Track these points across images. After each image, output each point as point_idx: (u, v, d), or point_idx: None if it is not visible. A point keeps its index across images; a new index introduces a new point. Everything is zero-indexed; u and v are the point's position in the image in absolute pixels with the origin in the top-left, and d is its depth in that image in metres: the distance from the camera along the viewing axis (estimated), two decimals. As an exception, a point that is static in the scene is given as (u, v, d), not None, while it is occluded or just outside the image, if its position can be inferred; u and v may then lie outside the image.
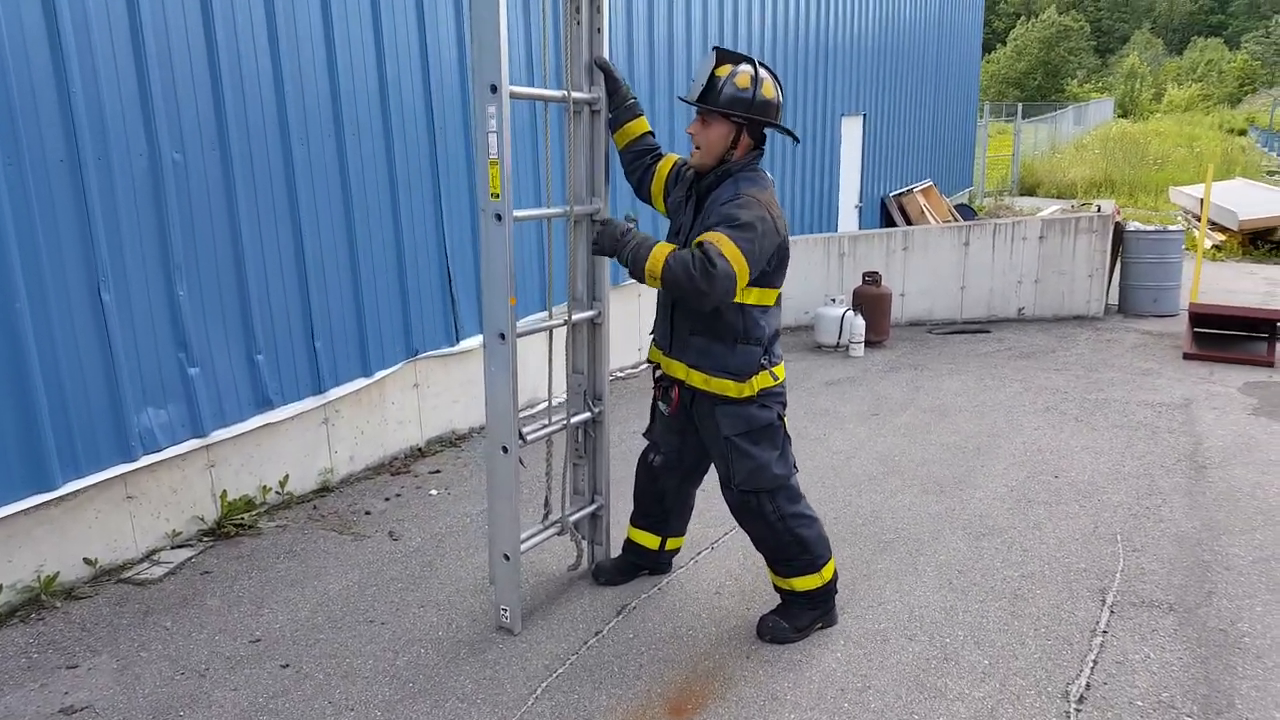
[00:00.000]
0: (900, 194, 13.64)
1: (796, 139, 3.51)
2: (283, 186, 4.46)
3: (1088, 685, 3.14)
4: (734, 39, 8.64)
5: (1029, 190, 22.94)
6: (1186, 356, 7.86)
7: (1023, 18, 64.83)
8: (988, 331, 9.10)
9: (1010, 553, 4.15)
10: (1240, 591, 3.78)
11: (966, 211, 16.06)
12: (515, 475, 3.30)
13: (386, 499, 4.81)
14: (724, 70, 3.13)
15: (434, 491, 4.91)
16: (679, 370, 3.32)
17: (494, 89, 3.00)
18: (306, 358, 4.69)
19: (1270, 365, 7.54)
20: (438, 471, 5.21)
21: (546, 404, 3.65)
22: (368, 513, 4.63)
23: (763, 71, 3.17)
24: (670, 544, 3.83)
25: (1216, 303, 9.00)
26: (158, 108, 3.86)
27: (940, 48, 15.88)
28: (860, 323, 8.08)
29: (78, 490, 3.76)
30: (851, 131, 12.10)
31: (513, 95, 3.09)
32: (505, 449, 3.29)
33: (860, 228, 12.65)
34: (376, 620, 3.59)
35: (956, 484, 5.00)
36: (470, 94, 5.48)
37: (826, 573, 3.42)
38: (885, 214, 13.38)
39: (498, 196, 3.08)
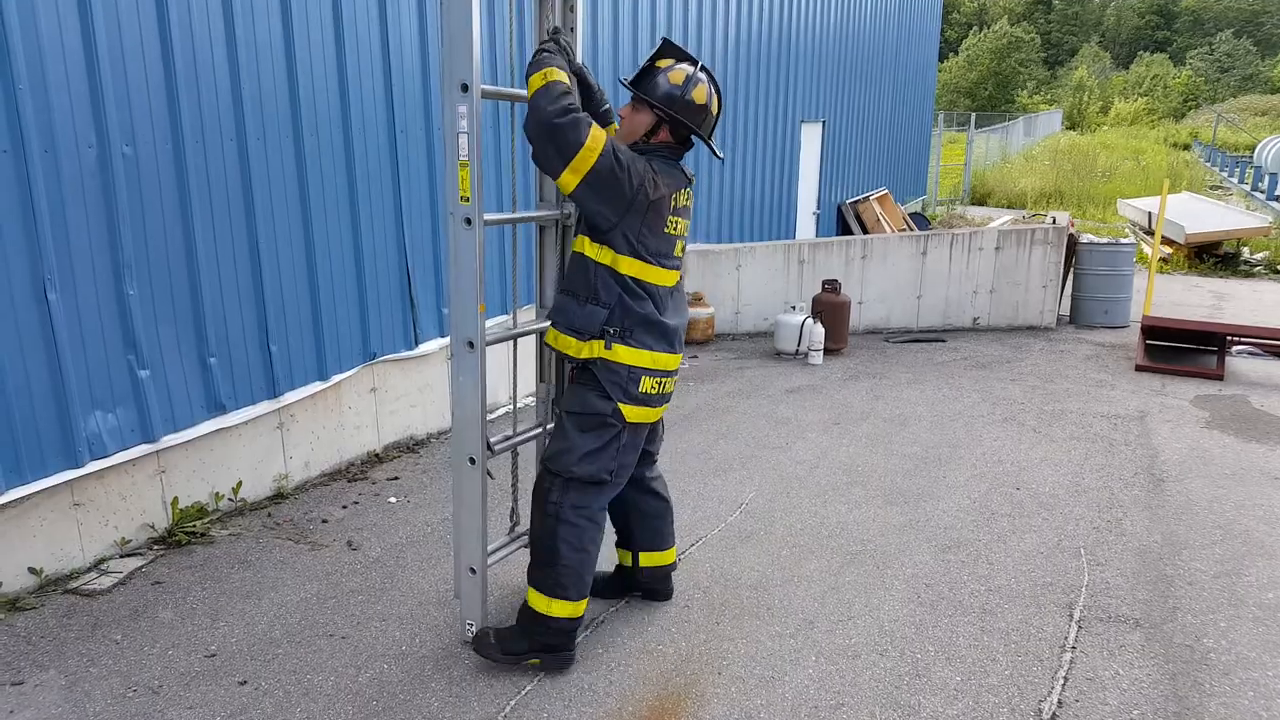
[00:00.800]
0: (857, 201, 13.75)
1: (719, 156, 3.39)
2: (237, 183, 4.32)
3: (1059, 703, 3.15)
4: (698, 43, 8.61)
5: (980, 199, 23.31)
6: (1139, 368, 8.01)
7: (975, 28, 65.98)
8: (943, 341, 9.18)
9: (977, 566, 4.16)
10: (1203, 606, 3.83)
11: (920, 220, 16.26)
12: (483, 487, 3.22)
13: (344, 506, 4.68)
14: (664, 63, 3.12)
15: (393, 499, 4.79)
16: (550, 335, 3.24)
17: (465, 88, 2.91)
18: (261, 360, 4.54)
19: (1220, 378, 7.70)
20: (396, 478, 5.09)
21: (509, 411, 3.57)
22: (325, 521, 4.50)
23: (701, 75, 3.11)
24: (644, 559, 3.65)
25: (1169, 316, 9.18)
26: (108, 98, 3.70)
27: (898, 56, 16.04)
28: (820, 330, 8.10)
29: (22, 497, 3.59)
30: (811, 138, 12.16)
31: (483, 94, 3.00)
32: (472, 460, 3.20)
33: (817, 234, 12.72)
34: (337, 634, 3.47)
35: (920, 495, 5.01)
36: (434, 93, 5.38)
37: (556, 608, 3.16)
38: (841, 221, 13.47)
39: (468, 200, 2.99)
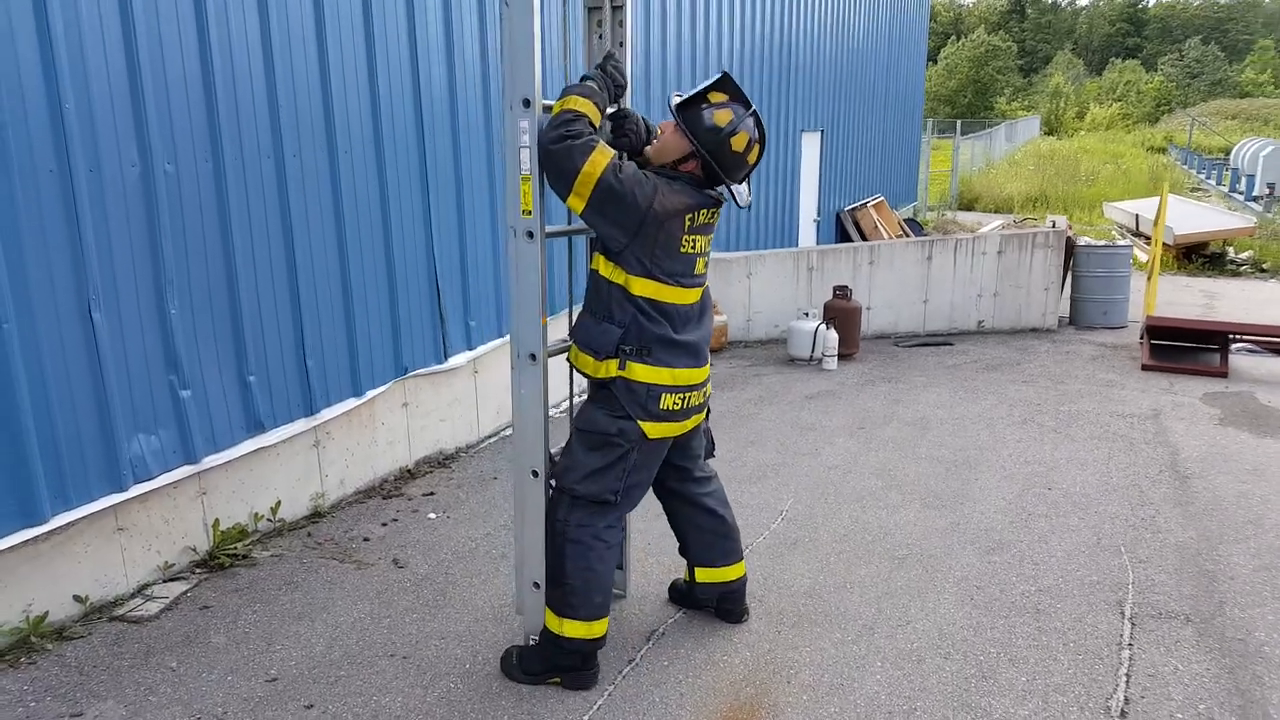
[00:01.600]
0: (855, 208, 13.83)
1: (739, 205, 3.36)
2: (275, 199, 4.29)
3: (1126, 700, 3.16)
4: (704, 56, 8.65)
5: (968, 205, 23.50)
6: (1145, 367, 8.09)
7: (953, 36, 66.68)
8: (951, 344, 9.23)
9: (1023, 567, 4.18)
10: (1249, 600, 3.85)
11: (914, 226, 16.37)
12: (545, 500, 3.20)
13: (383, 524, 4.64)
14: (717, 97, 3.05)
15: (432, 515, 4.75)
16: (571, 352, 3.22)
17: (527, 103, 2.91)
18: (298, 378, 4.50)
19: (1224, 376, 7.79)
20: (431, 494, 5.05)
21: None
22: (366, 539, 4.46)
23: (748, 121, 3.04)
24: (700, 575, 3.59)
25: (1172, 315, 9.27)
26: (151, 117, 3.67)
27: (889, 66, 16.19)
28: (833, 336, 8.13)
29: (67, 524, 3.53)
30: (810, 147, 12.24)
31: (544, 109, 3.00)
32: (535, 473, 3.18)
33: (817, 241, 12.78)
34: (397, 654, 3.43)
35: (955, 498, 5.03)
36: (461, 109, 5.38)
37: (568, 628, 3.12)
38: (840, 228, 13.55)
39: (530, 213, 2.98)
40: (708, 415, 3.45)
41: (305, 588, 3.96)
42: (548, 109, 2.98)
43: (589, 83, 3.00)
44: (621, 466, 3.12)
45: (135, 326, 3.71)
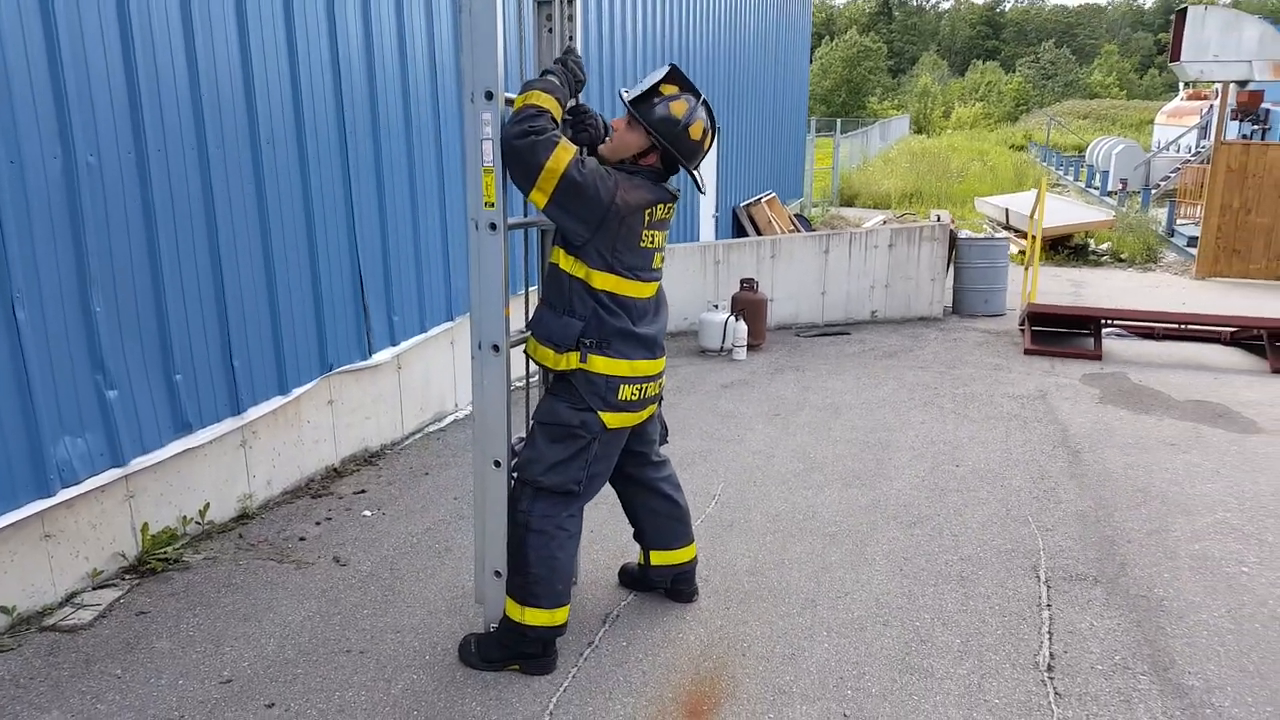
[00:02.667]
0: (749, 204, 14.19)
1: (702, 190, 3.51)
2: (199, 191, 4.16)
3: (1051, 654, 3.43)
4: (601, 49, 8.73)
5: (848, 201, 24.35)
6: (1027, 351, 8.64)
7: (826, 37, 68.77)
8: (848, 334, 9.63)
9: (943, 538, 4.45)
10: (1147, 560, 4.22)
11: (803, 221, 16.89)
12: (507, 490, 3.24)
13: (317, 523, 4.56)
14: (668, 89, 3.14)
15: (367, 513, 4.70)
16: (530, 344, 3.28)
17: (489, 95, 2.94)
18: (224, 377, 4.38)
19: (1099, 359, 8.40)
20: (363, 491, 4.99)
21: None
22: (302, 539, 4.38)
23: (701, 111, 3.17)
24: (655, 558, 3.69)
25: (1050, 303, 9.91)
26: (72, 106, 3.51)
27: (777, 64, 16.64)
28: (743, 328, 8.36)
29: (-8, 532, 3.36)
30: (706, 143, 12.49)
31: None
32: (497, 463, 3.22)
33: (717, 236, 13.05)
34: (354, 650, 3.41)
35: (873, 477, 5.30)
36: (380, 96, 5.31)
37: (529, 616, 3.18)
38: (737, 223, 13.87)
39: (492, 205, 3.02)
40: (660, 402, 3.56)
41: (245, 589, 3.87)
42: (509, 102, 3.02)
43: (550, 78, 3.06)
44: (584, 457, 3.19)
45: (59, 325, 3.56)
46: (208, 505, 4.36)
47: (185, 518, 4.25)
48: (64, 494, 3.61)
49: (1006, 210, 17.61)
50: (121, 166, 3.77)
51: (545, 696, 3.13)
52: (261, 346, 4.58)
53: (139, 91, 3.79)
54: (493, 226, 3.03)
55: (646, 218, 3.11)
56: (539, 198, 2.95)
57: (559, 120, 3.01)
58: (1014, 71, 69.54)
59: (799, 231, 14.72)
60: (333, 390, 5.18)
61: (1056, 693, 3.19)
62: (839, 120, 30.08)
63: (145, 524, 4.03)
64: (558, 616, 3.23)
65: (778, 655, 3.40)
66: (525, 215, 3.43)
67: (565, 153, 2.90)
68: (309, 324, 4.91)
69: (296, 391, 4.84)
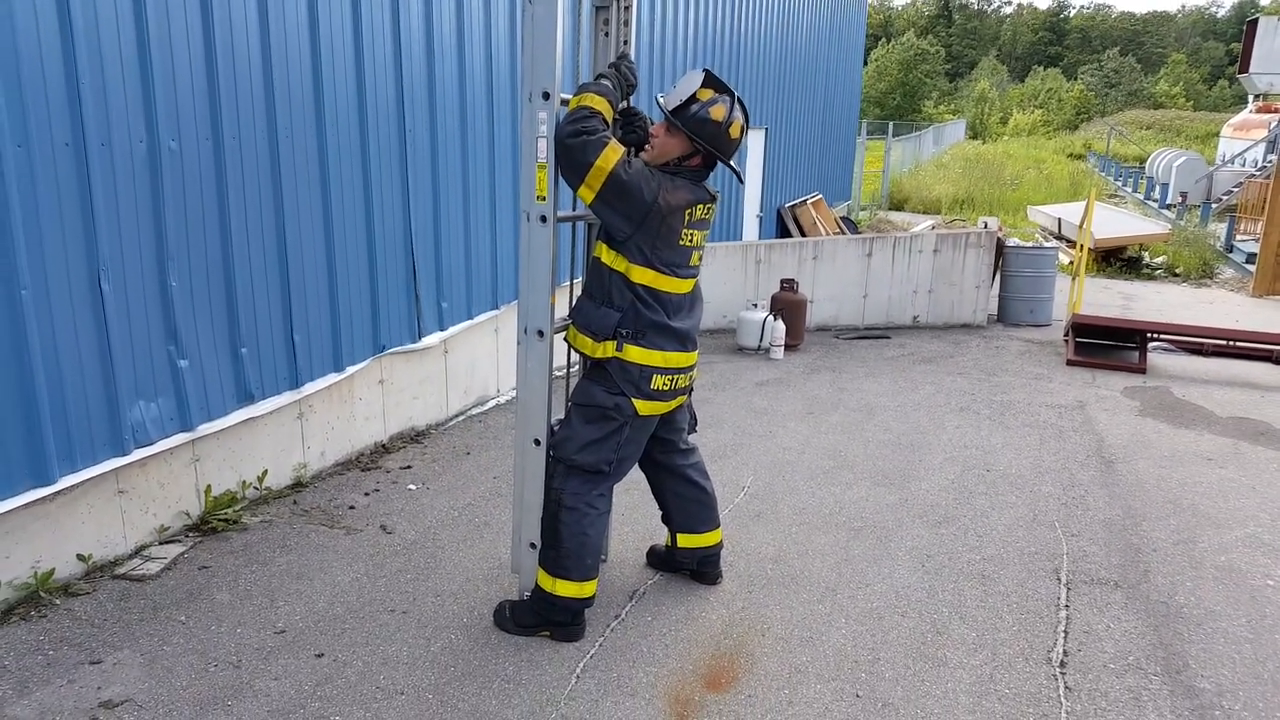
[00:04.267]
0: (794, 205, 14.27)
1: (742, 180, 3.70)
2: (268, 176, 4.42)
3: (1065, 652, 3.55)
4: (652, 49, 8.90)
5: (898, 205, 24.25)
6: (1070, 362, 8.64)
7: (883, 39, 68.19)
8: (888, 337, 9.69)
9: (968, 538, 4.56)
10: (1170, 569, 4.30)
11: (849, 224, 16.91)
12: (545, 467, 3.44)
13: (366, 494, 4.81)
14: (705, 94, 3.30)
15: (412, 486, 4.94)
16: (570, 332, 3.46)
17: (547, 95, 3.14)
18: (285, 352, 4.64)
19: (1143, 372, 8.38)
20: (408, 467, 5.23)
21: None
22: (351, 507, 4.63)
23: (736, 110, 3.34)
24: (682, 540, 3.87)
25: (1095, 315, 9.88)
26: (158, 94, 3.78)
27: (830, 65, 16.68)
28: (781, 327, 8.49)
29: (72, 485, 3.64)
30: (755, 144, 12.61)
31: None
32: (537, 441, 3.42)
33: (760, 236, 13.17)
34: (397, 610, 3.64)
35: (902, 477, 5.41)
36: (439, 95, 5.54)
37: (560, 588, 3.37)
38: (781, 224, 13.97)
39: (544, 199, 3.22)
40: (690, 394, 3.73)
41: (298, 550, 4.12)
42: (564, 103, 3.21)
43: (604, 81, 3.25)
44: (616, 439, 3.39)
45: (139, 298, 3.83)
46: (266, 472, 4.63)
47: (245, 482, 4.52)
48: (137, 454, 3.89)
49: (1060, 220, 17.46)
50: (200, 151, 4.04)
51: (573, 661, 3.32)
52: (320, 325, 4.84)
53: (218, 79, 4.06)
54: (543, 219, 3.22)
55: (687, 217, 3.29)
56: (587, 194, 3.14)
57: (610, 122, 3.19)
58: (1076, 79, 68.35)
59: (844, 234, 14.76)
60: (383, 370, 5.43)
61: (1067, 687, 3.31)
62: (890, 123, 29.89)
63: (208, 486, 4.31)
64: (586, 589, 3.43)
65: (796, 638, 3.56)
66: (575, 210, 3.62)
67: (614, 153, 3.09)
68: (364, 306, 5.16)
69: (350, 369, 5.09)
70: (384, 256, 5.25)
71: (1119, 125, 48.95)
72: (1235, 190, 21.78)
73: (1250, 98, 28.36)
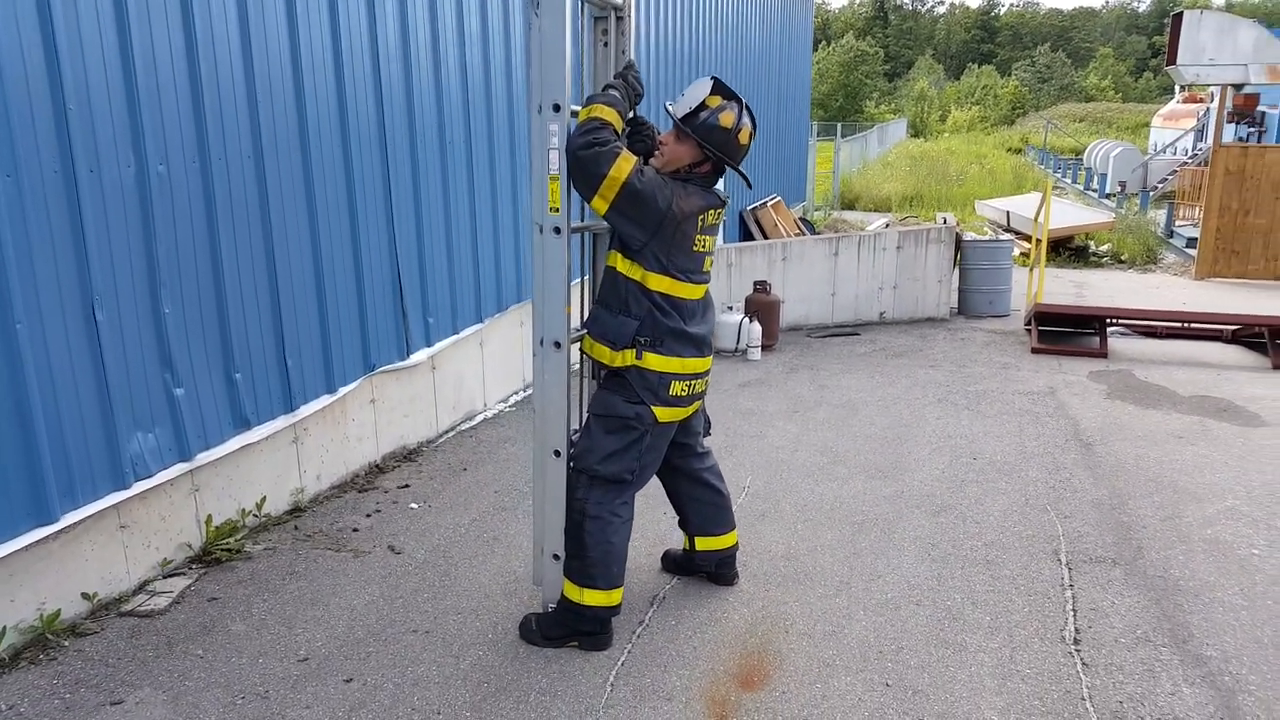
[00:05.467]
0: (756, 208, 14.39)
1: (750, 185, 3.76)
2: (255, 199, 4.35)
3: (1077, 629, 3.64)
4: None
5: (849, 204, 24.55)
6: (1034, 350, 8.84)
7: (823, 42, 69.16)
8: (858, 334, 9.83)
9: (967, 525, 4.65)
10: (1161, 545, 4.43)
11: (807, 225, 17.09)
12: (564, 478, 3.44)
13: (367, 515, 4.76)
14: (714, 101, 3.35)
15: (414, 505, 4.90)
16: (586, 342, 3.49)
17: (557, 107, 3.15)
18: (279, 375, 4.57)
19: (1105, 356, 8.61)
20: (406, 486, 5.18)
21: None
22: (355, 530, 4.57)
23: (745, 117, 3.39)
24: (700, 543, 3.89)
25: (1056, 303, 10.13)
26: (144, 118, 3.72)
27: (781, 68, 16.87)
28: (757, 329, 8.57)
29: (75, 523, 3.55)
30: (714, 148, 12.68)
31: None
32: (557, 453, 3.42)
33: (724, 240, 13.25)
34: (419, 630, 3.61)
35: (894, 469, 5.50)
36: (419, 108, 5.52)
37: (588, 597, 3.39)
38: (743, 227, 14.08)
39: (557, 210, 3.23)
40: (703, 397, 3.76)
41: (308, 576, 4.06)
42: (573, 114, 3.22)
43: (612, 92, 3.27)
44: (637, 448, 3.40)
45: (133, 326, 3.76)
46: (264, 498, 4.55)
47: (244, 510, 4.45)
48: (137, 487, 3.81)
49: (1008, 213, 17.83)
50: (187, 174, 3.97)
51: (605, 670, 3.32)
52: (312, 347, 4.78)
53: (203, 99, 3.99)
54: (557, 230, 3.23)
55: (700, 223, 3.32)
56: (600, 205, 3.16)
57: (620, 132, 3.22)
58: (1010, 75, 69.99)
59: (804, 235, 14.92)
60: (374, 390, 5.38)
61: (1084, 663, 3.40)
62: (839, 124, 30.33)
63: (209, 516, 4.23)
64: (614, 597, 3.43)
65: (819, 632, 3.60)
66: (583, 220, 3.63)
67: (626, 163, 3.11)
68: (354, 326, 5.10)
69: (343, 390, 5.03)
70: (371, 275, 5.20)
71: (1053, 119, 50.20)
72: (1170, 178, 22.47)
73: (1177, 88, 29.30)
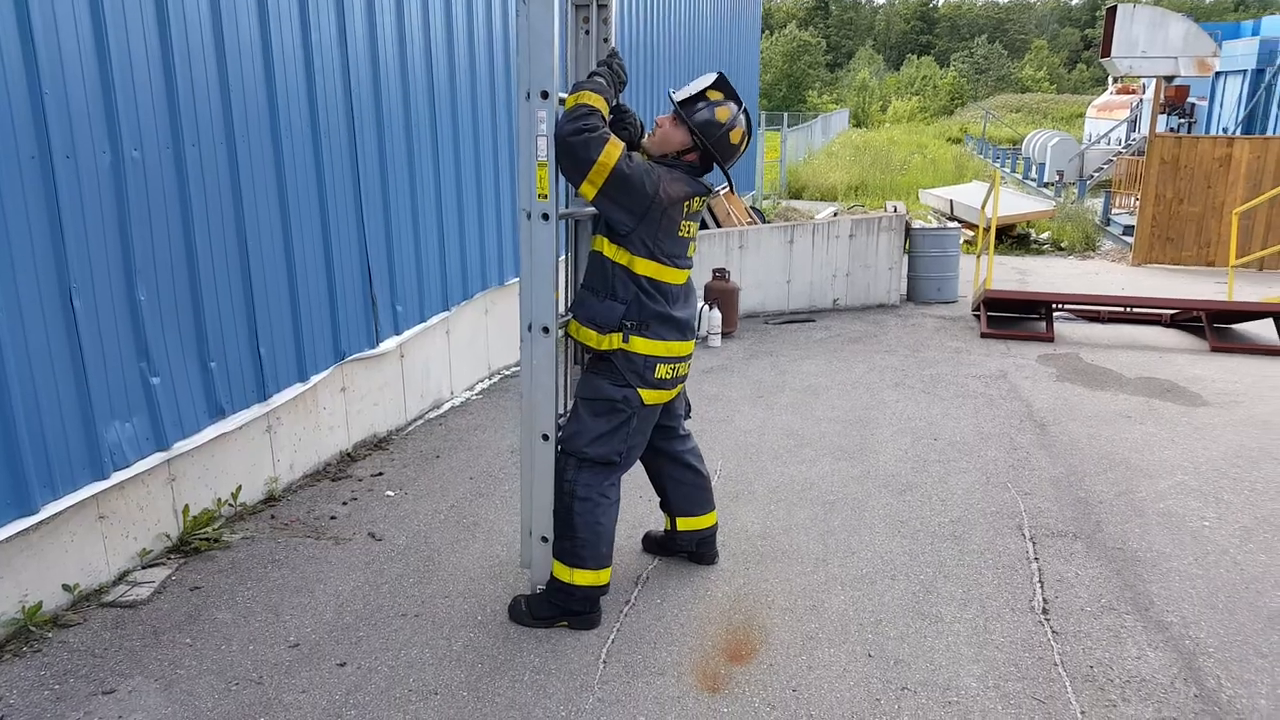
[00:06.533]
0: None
1: (733, 189, 3.86)
2: (228, 184, 4.31)
3: (1045, 600, 3.81)
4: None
5: (796, 193, 24.85)
6: (984, 335, 9.10)
7: (765, 32, 69.60)
8: (813, 320, 10.01)
9: (932, 503, 4.81)
10: (1118, 519, 4.64)
11: (757, 214, 17.25)
12: (552, 462, 3.49)
13: (344, 503, 4.75)
14: (715, 95, 3.44)
15: (390, 493, 4.90)
16: (572, 326, 3.55)
17: (545, 94, 3.19)
18: (252, 364, 4.53)
19: (1051, 340, 8.90)
20: (380, 474, 5.18)
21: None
22: (333, 517, 4.56)
23: (740, 117, 3.48)
24: (681, 524, 3.96)
25: (1005, 289, 10.42)
26: (118, 102, 3.66)
27: (732, 56, 16.99)
28: (717, 316, 8.68)
29: (55, 514, 3.50)
30: (668, 136, 12.77)
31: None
32: (546, 436, 3.47)
33: (678, 228, 13.34)
34: (408, 614, 3.63)
35: (859, 451, 5.65)
36: (385, 94, 5.49)
37: (577, 577, 3.45)
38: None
39: (545, 197, 3.27)
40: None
41: (290, 564, 4.06)
42: (560, 102, 3.26)
43: (598, 79, 3.32)
44: (625, 430, 3.47)
45: (110, 314, 3.70)
46: (240, 488, 4.52)
47: (220, 500, 4.41)
48: (115, 476, 3.76)
49: (951, 202, 18.21)
50: (161, 160, 3.91)
51: (596, 647, 3.39)
52: (284, 334, 4.75)
53: (175, 83, 3.93)
54: (545, 216, 3.27)
55: (685, 209, 3.39)
56: (589, 190, 3.21)
57: (607, 119, 3.27)
58: (948, 66, 71.26)
59: (756, 223, 15.08)
60: (345, 378, 5.35)
61: (1054, 631, 3.56)
62: (785, 114, 30.60)
63: (186, 506, 4.19)
64: (602, 576, 3.50)
65: (800, 607, 3.71)
66: (568, 206, 3.67)
67: (615, 149, 3.17)
68: (324, 314, 5.07)
69: (315, 379, 5.00)
70: (340, 263, 5.16)
71: (991, 110, 51.27)
72: (1105, 167, 23.15)
73: (1111, 80, 30.16)
